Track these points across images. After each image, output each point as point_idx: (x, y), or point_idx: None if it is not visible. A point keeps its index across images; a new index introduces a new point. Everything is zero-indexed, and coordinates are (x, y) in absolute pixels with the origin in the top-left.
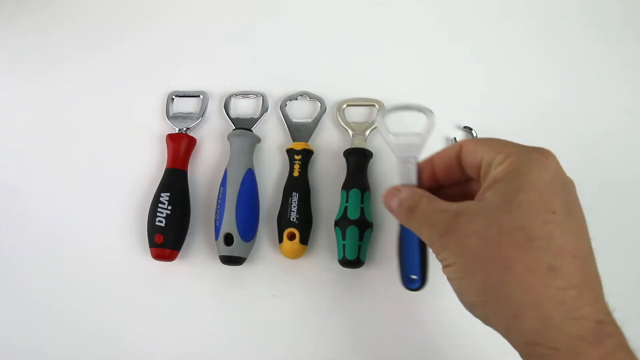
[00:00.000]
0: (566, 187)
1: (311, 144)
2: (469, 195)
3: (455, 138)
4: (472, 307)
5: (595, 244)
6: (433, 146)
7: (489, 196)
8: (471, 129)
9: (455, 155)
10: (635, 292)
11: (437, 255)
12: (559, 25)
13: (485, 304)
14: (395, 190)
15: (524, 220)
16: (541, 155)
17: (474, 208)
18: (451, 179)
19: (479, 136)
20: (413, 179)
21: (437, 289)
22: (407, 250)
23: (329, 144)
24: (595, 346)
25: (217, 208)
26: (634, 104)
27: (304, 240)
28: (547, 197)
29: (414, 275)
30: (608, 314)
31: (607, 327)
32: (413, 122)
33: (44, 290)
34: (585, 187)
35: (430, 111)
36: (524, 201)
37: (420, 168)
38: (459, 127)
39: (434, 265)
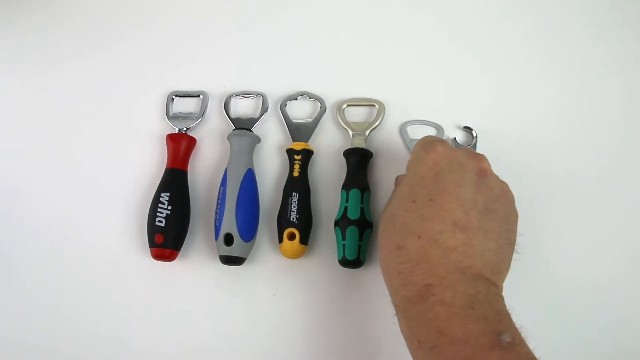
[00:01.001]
0: (440, 176)
1: (311, 144)
2: None
3: (455, 138)
4: None
5: (597, 239)
6: None
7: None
8: (471, 129)
9: None
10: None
11: None
12: (559, 25)
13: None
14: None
15: (394, 210)
16: (425, 152)
17: (389, 200)
18: None
19: (478, 136)
20: None
21: None
22: None
23: (329, 144)
24: (418, 303)
25: (217, 208)
26: (635, 104)
27: (304, 240)
28: (414, 189)
29: None
30: (441, 278)
31: (434, 289)
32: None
33: (44, 290)
34: (585, 185)
35: (442, 128)
36: (398, 194)
37: None
38: (459, 127)
39: None
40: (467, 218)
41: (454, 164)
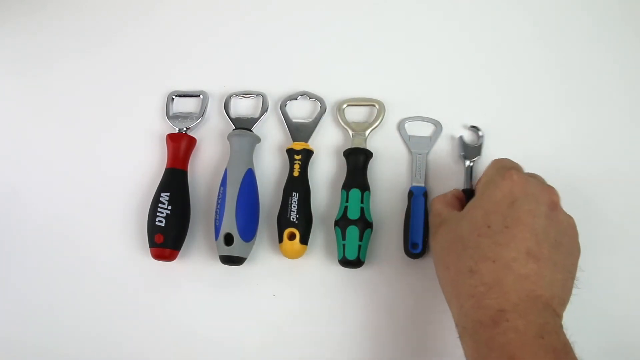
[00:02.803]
0: (515, 204)
1: (311, 144)
2: None
3: (461, 136)
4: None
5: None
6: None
7: (461, 211)
8: (478, 129)
9: None
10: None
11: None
12: (560, 23)
13: (442, 290)
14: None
15: (464, 233)
16: (501, 178)
17: (449, 219)
18: None
19: (484, 135)
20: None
21: (438, 290)
22: (413, 222)
23: (329, 144)
24: (490, 328)
25: (217, 208)
26: (635, 104)
27: (304, 240)
28: (488, 214)
29: (417, 241)
30: (514, 305)
31: (507, 315)
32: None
33: (44, 289)
34: (586, 185)
35: (440, 124)
36: (470, 217)
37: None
38: (465, 126)
39: None
40: (539, 248)
41: (529, 194)
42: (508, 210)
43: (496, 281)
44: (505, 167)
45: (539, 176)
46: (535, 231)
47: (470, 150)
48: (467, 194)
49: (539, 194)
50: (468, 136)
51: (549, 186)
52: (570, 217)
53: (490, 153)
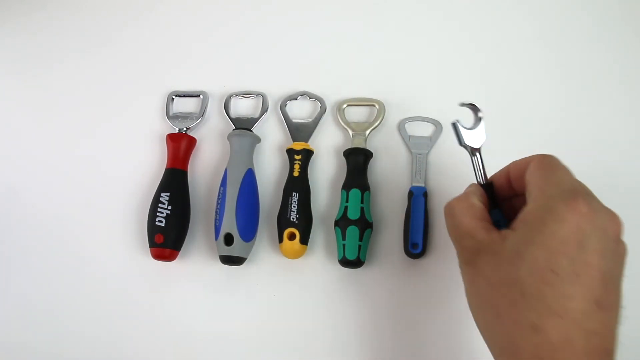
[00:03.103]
0: (583, 245)
1: (311, 144)
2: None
3: (456, 122)
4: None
5: None
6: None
7: (509, 240)
8: (477, 109)
9: (523, 168)
10: None
11: (461, 269)
12: (560, 23)
13: (482, 334)
14: (471, 185)
15: (523, 276)
16: (565, 207)
17: (493, 249)
18: (522, 189)
19: (483, 117)
20: (480, 177)
21: (438, 290)
22: (413, 222)
23: (329, 144)
24: None
25: (217, 208)
26: (635, 105)
27: (304, 240)
28: (554, 256)
29: (417, 242)
30: None
31: None
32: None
33: (44, 290)
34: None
35: (440, 124)
36: (529, 257)
37: (497, 175)
38: (462, 104)
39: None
40: (608, 296)
41: (597, 229)
42: (577, 252)
43: (565, 341)
44: (571, 193)
45: (602, 204)
46: (604, 276)
47: (472, 135)
48: (487, 190)
49: (607, 226)
50: (465, 119)
51: (613, 213)
52: (625, 245)
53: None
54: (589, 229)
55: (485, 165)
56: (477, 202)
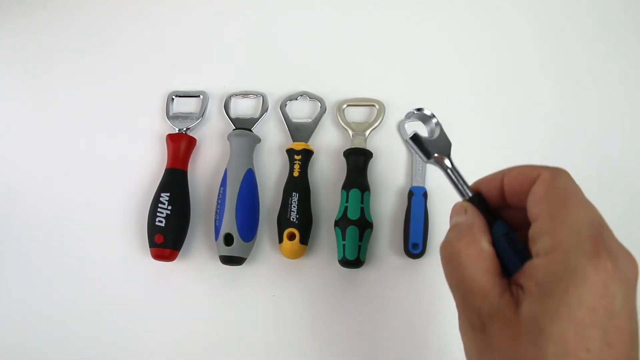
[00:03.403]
0: (613, 310)
1: (311, 144)
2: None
3: (414, 135)
4: None
5: None
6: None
7: (525, 307)
8: (430, 115)
9: (524, 184)
10: None
11: (465, 334)
12: (559, 24)
13: None
14: (462, 208)
15: (550, 356)
16: (589, 265)
17: (506, 316)
18: (520, 204)
19: (438, 119)
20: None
21: (438, 290)
22: (413, 222)
23: (329, 144)
24: None
25: (217, 208)
26: (635, 105)
27: (304, 240)
28: (584, 330)
29: (417, 242)
30: None
31: None
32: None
33: (44, 289)
34: (586, 185)
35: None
36: (556, 334)
37: (484, 181)
38: (408, 115)
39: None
40: (636, 354)
41: (623, 284)
42: (607, 320)
43: None
44: (591, 242)
45: (608, 230)
46: (633, 337)
47: (436, 145)
48: (477, 202)
49: (630, 276)
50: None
51: (630, 255)
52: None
53: (495, 148)
54: (615, 288)
55: (462, 172)
56: (487, 245)
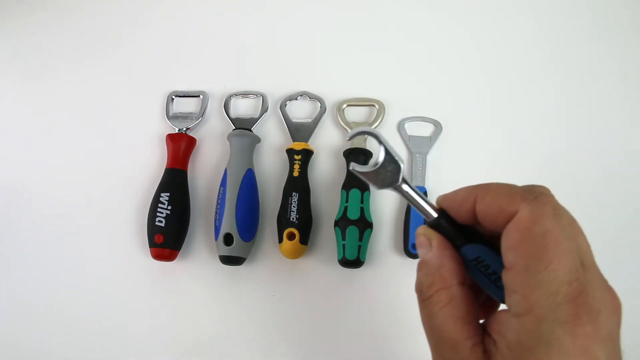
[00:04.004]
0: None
1: (311, 144)
2: None
3: (352, 166)
4: None
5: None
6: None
7: None
8: (373, 134)
9: (500, 210)
10: None
11: None
12: (559, 25)
13: None
14: (426, 240)
15: None
16: (565, 334)
17: None
18: (494, 231)
19: (382, 137)
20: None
21: None
22: (413, 222)
23: (329, 144)
24: None
25: (217, 208)
26: (635, 105)
27: (304, 240)
28: None
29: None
30: None
31: None
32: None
33: (44, 289)
34: (587, 186)
35: (440, 124)
36: None
37: (449, 197)
38: (352, 137)
39: None
40: None
41: (606, 342)
42: None
43: None
44: (568, 304)
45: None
46: None
47: (382, 173)
48: (443, 226)
49: (615, 329)
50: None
51: (614, 299)
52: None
53: (494, 148)
54: (597, 349)
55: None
56: (459, 290)
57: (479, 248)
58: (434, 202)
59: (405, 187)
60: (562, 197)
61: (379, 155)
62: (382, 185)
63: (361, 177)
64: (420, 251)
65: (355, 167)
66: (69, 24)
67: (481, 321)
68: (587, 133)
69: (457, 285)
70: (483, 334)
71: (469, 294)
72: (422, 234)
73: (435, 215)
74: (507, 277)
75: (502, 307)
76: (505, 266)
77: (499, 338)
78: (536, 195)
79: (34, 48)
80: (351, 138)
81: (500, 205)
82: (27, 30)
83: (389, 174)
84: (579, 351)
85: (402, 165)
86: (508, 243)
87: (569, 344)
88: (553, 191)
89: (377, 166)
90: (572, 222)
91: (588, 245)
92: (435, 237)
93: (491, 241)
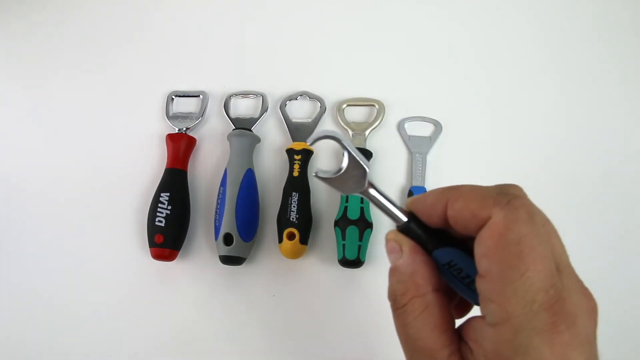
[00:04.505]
0: None
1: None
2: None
3: (317, 173)
4: None
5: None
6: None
7: None
8: (337, 138)
9: (473, 214)
10: None
11: None
12: (558, 26)
13: None
14: (397, 245)
15: None
16: (544, 341)
17: None
18: (466, 235)
19: (345, 141)
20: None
21: None
22: None
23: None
24: None
25: (217, 208)
26: (635, 106)
27: (304, 240)
28: None
29: None
30: None
31: None
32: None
33: (44, 289)
34: (587, 185)
35: (440, 124)
36: None
37: (419, 200)
38: (315, 141)
39: None
40: None
41: (584, 347)
42: None
43: None
44: (545, 312)
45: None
46: None
47: (347, 178)
48: (413, 230)
49: (591, 332)
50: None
51: (590, 301)
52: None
53: (494, 148)
54: (575, 354)
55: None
56: (433, 297)
57: (451, 252)
58: (403, 206)
59: (372, 191)
60: (562, 197)
61: (343, 160)
62: (348, 190)
63: (326, 183)
64: (391, 257)
65: (319, 173)
66: (69, 24)
67: (457, 326)
68: (587, 133)
69: (432, 292)
70: (459, 341)
71: (444, 300)
72: (393, 239)
73: (405, 219)
74: (481, 285)
75: (477, 308)
76: (480, 273)
77: (475, 347)
78: (509, 198)
79: (34, 48)
80: (313, 143)
81: (472, 211)
82: (27, 30)
83: (354, 179)
84: (557, 357)
85: (367, 170)
86: (482, 250)
87: (547, 353)
88: (553, 191)
89: (342, 172)
90: (546, 223)
91: (563, 247)
92: (406, 242)
93: (464, 243)
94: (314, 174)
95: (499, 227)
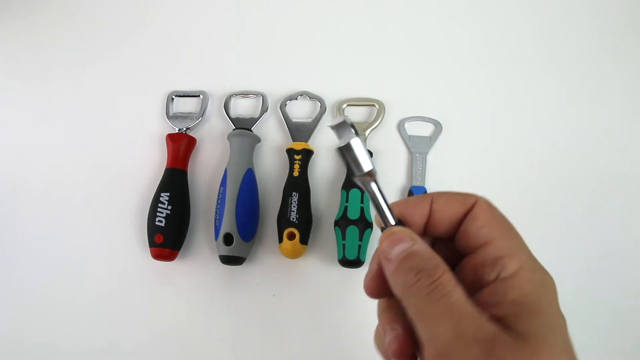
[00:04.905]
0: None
1: (311, 144)
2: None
3: (351, 143)
4: None
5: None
6: (441, 147)
7: (521, 327)
8: (349, 124)
9: (463, 210)
10: None
11: None
12: (559, 26)
13: None
14: (406, 234)
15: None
16: (549, 277)
17: (509, 341)
18: (446, 233)
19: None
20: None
21: None
22: None
23: (329, 144)
24: None
25: (217, 208)
26: (635, 106)
27: (304, 240)
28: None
29: None
30: None
31: None
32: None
33: (44, 289)
34: (587, 186)
35: (440, 124)
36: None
37: (401, 205)
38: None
39: None
40: None
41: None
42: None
43: None
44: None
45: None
46: None
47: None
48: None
49: (561, 323)
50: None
51: (551, 279)
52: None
53: (494, 148)
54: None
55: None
56: (464, 298)
57: None
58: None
59: (374, 182)
60: (563, 197)
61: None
62: (366, 166)
63: (350, 156)
64: (401, 246)
65: (350, 143)
66: (69, 24)
67: None
68: (588, 133)
69: (461, 292)
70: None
71: (470, 299)
72: (399, 231)
73: (394, 222)
74: (488, 250)
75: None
76: (483, 242)
77: (497, 310)
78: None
79: (34, 48)
80: (334, 126)
81: (458, 199)
82: (27, 30)
83: (366, 157)
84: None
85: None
86: (479, 223)
87: (553, 285)
88: (552, 190)
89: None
90: None
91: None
92: (412, 231)
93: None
94: (341, 144)
95: (487, 206)
